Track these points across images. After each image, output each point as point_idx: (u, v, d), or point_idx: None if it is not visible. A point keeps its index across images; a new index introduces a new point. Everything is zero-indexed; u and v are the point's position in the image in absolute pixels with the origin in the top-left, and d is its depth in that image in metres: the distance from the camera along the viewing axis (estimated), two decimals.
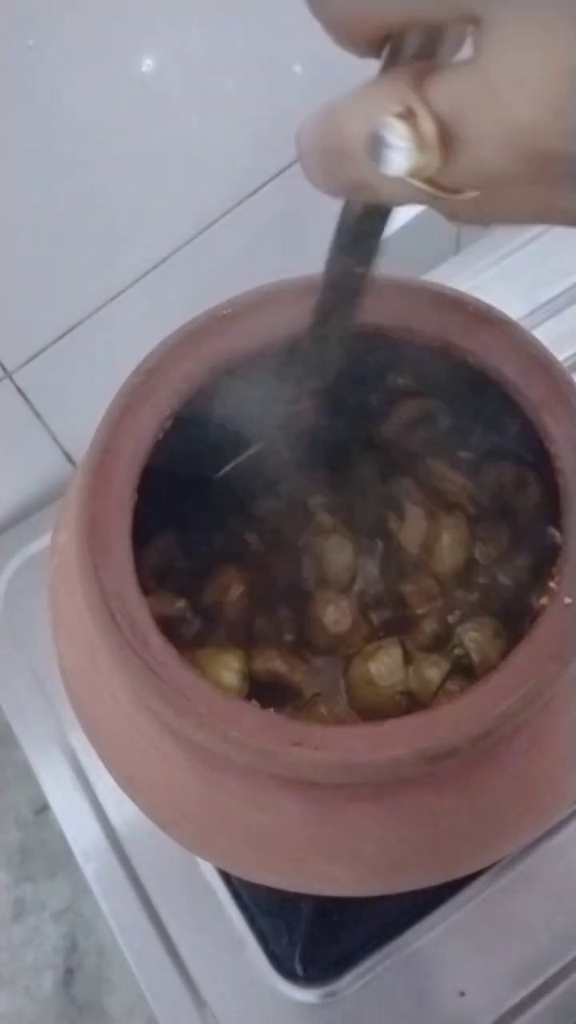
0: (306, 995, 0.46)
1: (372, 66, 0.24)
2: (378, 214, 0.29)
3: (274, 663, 0.37)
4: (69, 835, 0.51)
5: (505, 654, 0.30)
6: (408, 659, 0.37)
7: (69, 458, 0.61)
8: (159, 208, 0.51)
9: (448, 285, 0.37)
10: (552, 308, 0.62)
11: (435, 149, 0.20)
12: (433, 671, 0.36)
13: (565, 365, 0.35)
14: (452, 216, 0.24)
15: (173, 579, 0.39)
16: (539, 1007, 0.45)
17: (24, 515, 0.61)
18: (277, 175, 0.55)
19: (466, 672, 0.36)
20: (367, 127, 0.22)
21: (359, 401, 0.41)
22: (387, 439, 0.42)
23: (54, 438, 0.58)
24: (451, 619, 0.39)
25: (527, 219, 0.22)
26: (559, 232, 0.67)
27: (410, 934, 0.47)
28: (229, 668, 0.36)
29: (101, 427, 0.34)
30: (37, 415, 0.56)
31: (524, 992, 0.46)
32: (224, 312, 0.36)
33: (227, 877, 0.49)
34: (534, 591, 0.35)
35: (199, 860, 0.48)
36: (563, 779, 0.33)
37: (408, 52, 0.23)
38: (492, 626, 0.37)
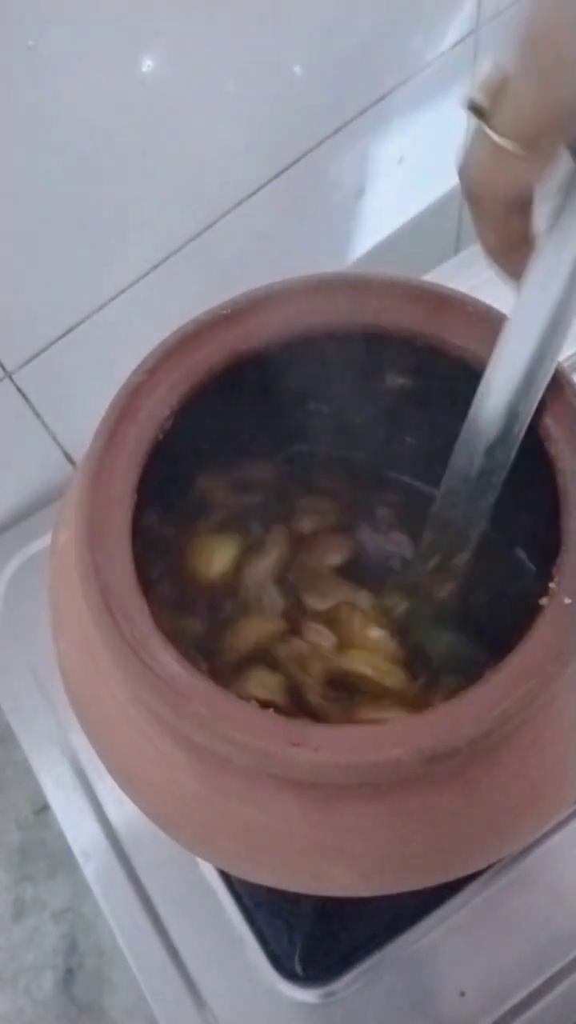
0: (306, 995, 0.46)
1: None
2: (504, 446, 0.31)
3: None
4: (69, 835, 0.51)
5: (505, 654, 0.30)
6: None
7: (69, 458, 0.61)
8: (159, 208, 0.51)
9: (448, 285, 0.37)
10: None
11: None
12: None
13: (565, 365, 0.35)
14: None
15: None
16: (539, 1007, 0.45)
17: (24, 515, 0.61)
18: (277, 175, 0.55)
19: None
20: None
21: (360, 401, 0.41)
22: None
23: (54, 438, 0.59)
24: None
25: None
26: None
27: (410, 934, 0.47)
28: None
29: (101, 427, 0.34)
30: (37, 415, 0.56)
31: (524, 992, 0.46)
32: (224, 312, 0.36)
33: (227, 877, 0.49)
34: (534, 591, 0.35)
35: (199, 860, 0.48)
36: (563, 779, 0.33)
37: None
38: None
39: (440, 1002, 0.46)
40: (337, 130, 0.57)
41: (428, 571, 0.37)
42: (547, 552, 0.32)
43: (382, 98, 0.57)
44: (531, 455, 0.34)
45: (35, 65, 0.41)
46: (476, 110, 0.26)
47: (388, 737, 0.29)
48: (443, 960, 0.47)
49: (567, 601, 0.30)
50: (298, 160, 0.56)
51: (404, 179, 0.65)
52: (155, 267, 0.53)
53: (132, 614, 0.31)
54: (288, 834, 0.31)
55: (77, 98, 0.44)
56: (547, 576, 0.31)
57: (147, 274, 0.53)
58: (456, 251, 0.75)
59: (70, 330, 0.53)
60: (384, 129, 0.60)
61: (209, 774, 0.31)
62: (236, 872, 0.35)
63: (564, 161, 0.26)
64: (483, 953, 0.47)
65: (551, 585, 0.31)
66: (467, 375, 0.36)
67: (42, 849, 0.69)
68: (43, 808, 0.68)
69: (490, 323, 0.36)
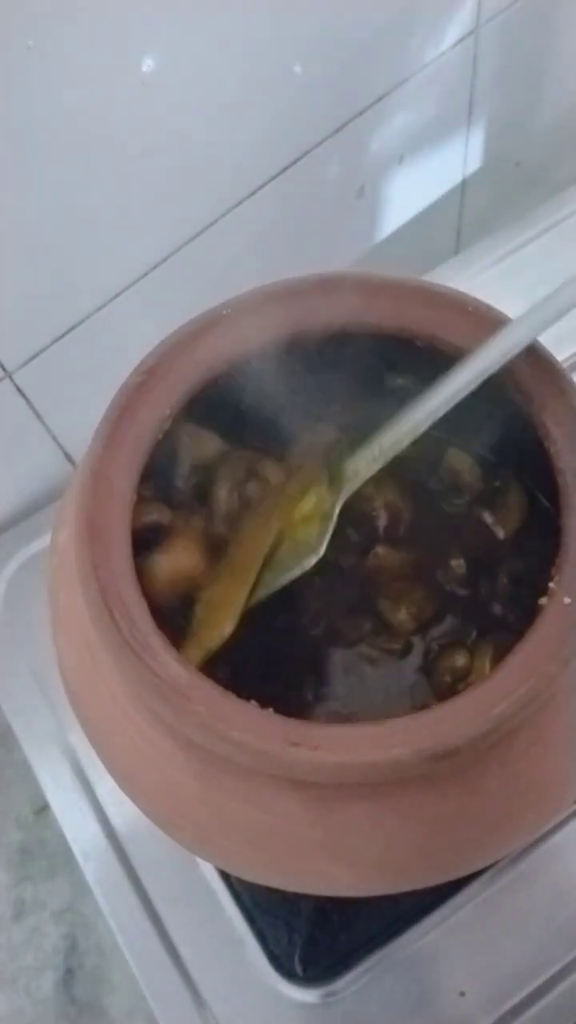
0: (306, 995, 0.46)
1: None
2: None
3: None
4: (69, 835, 0.51)
5: (505, 654, 0.30)
6: None
7: (69, 458, 0.61)
8: (159, 208, 0.51)
9: (448, 285, 0.37)
10: None
11: None
12: None
13: (565, 365, 0.35)
14: None
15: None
16: (539, 1007, 0.45)
17: (24, 515, 0.61)
18: (277, 175, 0.55)
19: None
20: None
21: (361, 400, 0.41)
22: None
23: (54, 438, 0.58)
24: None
25: None
26: (559, 232, 0.67)
27: (410, 934, 0.47)
28: None
29: (101, 427, 0.34)
30: (37, 415, 0.56)
31: (524, 992, 0.46)
32: (224, 312, 0.36)
33: (227, 877, 0.49)
34: (534, 591, 0.35)
35: (199, 860, 0.48)
36: (563, 779, 0.33)
37: None
38: None
39: (440, 1002, 0.46)
40: (337, 130, 0.57)
41: None
42: (547, 552, 0.32)
43: (382, 98, 0.57)
44: (531, 455, 0.34)
45: (35, 65, 0.41)
46: None
47: (388, 737, 0.29)
48: (443, 960, 0.47)
49: (567, 601, 0.30)
50: (298, 160, 0.56)
51: (404, 179, 0.65)
52: (155, 267, 0.53)
53: (132, 614, 0.31)
54: (288, 834, 0.31)
55: (77, 98, 0.44)
56: (547, 576, 0.31)
57: (147, 274, 0.53)
58: (456, 251, 0.75)
59: (70, 330, 0.53)
60: (384, 129, 0.60)
61: (209, 774, 0.31)
62: (236, 872, 0.35)
63: None
64: (483, 953, 0.47)
65: (551, 585, 0.31)
66: None
67: (42, 849, 0.69)
68: (43, 808, 0.68)
69: (490, 323, 0.36)
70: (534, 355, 0.35)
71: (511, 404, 0.35)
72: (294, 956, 0.47)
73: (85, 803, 0.52)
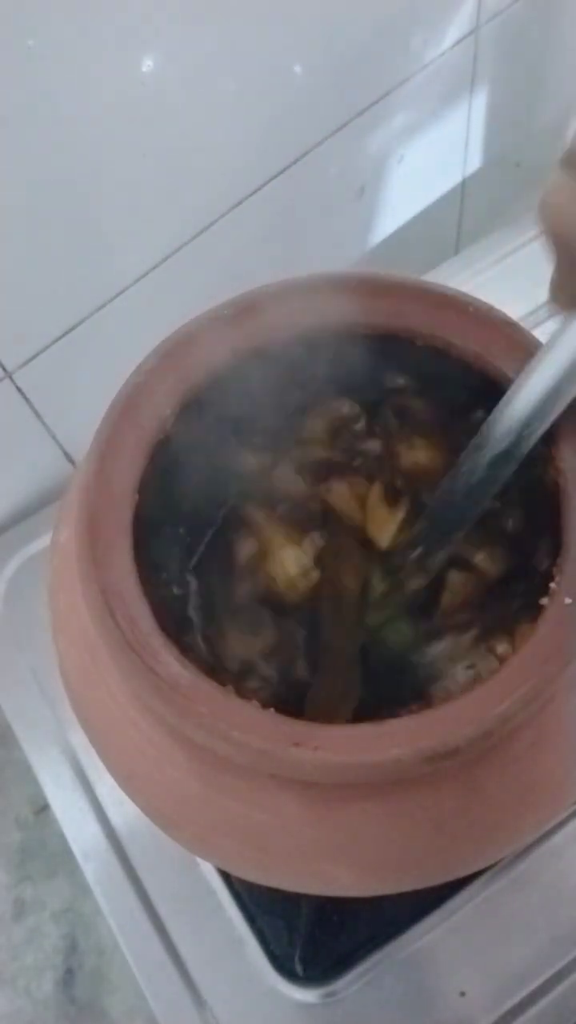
0: (306, 995, 0.46)
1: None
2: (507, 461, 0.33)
3: None
4: (69, 835, 0.51)
5: (506, 654, 0.30)
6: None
7: (69, 458, 0.61)
8: (159, 208, 0.51)
9: (448, 285, 0.37)
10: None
11: None
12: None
13: None
14: None
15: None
16: (539, 1007, 0.45)
17: (24, 515, 0.61)
18: (277, 175, 0.55)
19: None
20: None
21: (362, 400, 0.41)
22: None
23: (54, 438, 0.59)
24: None
25: None
26: None
27: (410, 934, 0.47)
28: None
29: (101, 427, 0.34)
30: (37, 415, 0.56)
31: (524, 992, 0.46)
32: (224, 312, 0.36)
33: (227, 877, 0.49)
34: (534, 591, 0.35)
35: (199, 860, 0.48)
36: (563, 779, 0.33)
37: None
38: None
39: (440, 1002, 0.46)
40: (337, 130, 0.57)
41: (409, 560, 0.37)
42: (547, 552, 0.32)
43: (382, 98, 0.57)
44: (531, 455, 0.34)
45: (35, 65, 0.41)
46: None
47: (388, 737, 0.29)
48: (443, 960, 0.47)
49: (567, 601, 0.30)
50: (298, 160, 0.56)
51: (404, 179, 0.65)
52: (155, 267, 0.53)
53: (132, 614, 0.31)
54: (288, 834, 0.31)
55: (77, 98, 0.44)
56: (547, 576, 0.31)
57: (147, 274, 0.53)
58: (456, 251, 0.75)
59: (70, 330, 0.53)
60: (384, 129, 0.60)
61: (209, 774, 0.31)
62: (236, 872, 0.35)
63: None
64: (483, 953, 0.47)
65: (551, 585, 0.31)
66: (468, 375, 0.36)
67: (42, 849, 0.69)
68: (43, 808, 0.68)
69: (490, 323, 0.36)
70: (533, 354, 0.35)
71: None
72: (294, 956, 0.47)
73: (85, 803, 0.52)
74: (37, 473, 0.61)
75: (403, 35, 0.56)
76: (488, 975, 0.46)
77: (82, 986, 0.65)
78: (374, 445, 0.42)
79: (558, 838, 0.48)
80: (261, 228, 0.57)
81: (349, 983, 0.46)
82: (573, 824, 0.49)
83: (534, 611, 0.31)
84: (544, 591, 0.31)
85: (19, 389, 0.54)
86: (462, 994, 0.46)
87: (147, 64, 0.45)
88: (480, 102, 0.65)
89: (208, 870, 0.49)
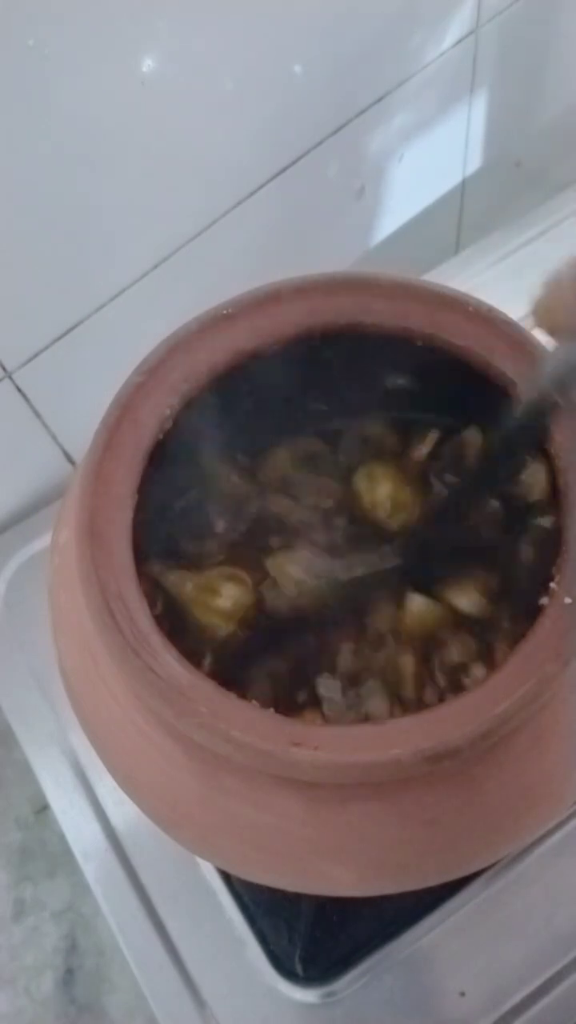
0: (306, 995, 0.46)
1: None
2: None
3: None
4: (69, 835, 0.51)
5: (506, 654, 0.30)
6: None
7: (69, 458, 0.61)
8: (159, 208, 0.51)
9: (448, 285, 0.37)
10: None
11: None
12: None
13: None
14: None
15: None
16: (539, 1007, 0.45)
17: (24, 515, 0.61)
18: (277, 175, 0.55)
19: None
20: None
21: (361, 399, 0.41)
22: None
23: (54, 438, 0.58)
24: None
25: None
26: (559, 232, 0.67)
27: (410, 934, 0.47)
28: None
29: (101, 427, 0.34)
30: (37, 415, 0.56)
31: (524, 992, 0.46)
32: (224, 312, 0.36)
33: (227, 877, 0.49)
34: (534, 591, 0.35)
35: (199, 860, 0.48)
36: (563, 779, 0.33)
37: None
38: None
39: (440, 1002, 0.46)
40: (337, 130, 0.57)
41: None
42: (547, 552, 0.32)
43: (382, 98, 0.57)
44: (531, 455, 0.34)
45: (35, 65, 0.41)
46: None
47: (388, 737, 0.29)
48: (443, 960, 0.47)
49: (567, 601, 0.30)
50: (298, 160, 0.56)
51: (404, 179, 0.65)
52: (155, 267, 0.53)
53: (132, 614, 0.31)
54: (288, 834, 0.31)
55: (77, 98, 0.44)
56: (547, 576, 0.31)
57: (147, 274, 0.53)
58: (456, 251, 0.75)
59: (70, 330, 0.53)
60: (384, 129, 0.60)
61: (209, 774, 0.31)
62: (236, 872, 0.35)
63: None
64: (483, 953, 0.47)
65: (551, 585, 0.31)
66: (467, 375, 0.36)
67: (42, 849, 0.69)
68: (43, 808, 0.68)
69: (490, 323, 0.36)
70: (534, 355, 0.35)
71: (511, 404, 0.35)
72: (294, 956, 0.47)
73: (85, 803, 0.52)
74: (37, 473, 0.61)
75: (403, 35, 0.56)
76: (488, 975, 0.46)
77: (82, 986, 0.65)
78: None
79: (558, 838, 0.48)
80: (261, 228, 0.57)
81: (349, 983, 0.46)
82: (573, 824, 0.49)
83: (534, 611, 0.31)
84: (544, 591, 0.31)
85: (19, 389, 0.54)
86: (462, 994, 0.46)
87: (147, 64, 0.45)
88: (480, 102, 0.65)
89: (208, 870, 0.49)
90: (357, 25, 0.53)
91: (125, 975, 0.64)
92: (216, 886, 0.49)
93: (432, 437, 0.41)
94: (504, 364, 0.35)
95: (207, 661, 0.36)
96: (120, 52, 0.44)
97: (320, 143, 0.56)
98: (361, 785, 0.30)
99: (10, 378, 0.53)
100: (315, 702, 0.36)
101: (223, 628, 0.37)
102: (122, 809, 0.51)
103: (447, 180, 0.70)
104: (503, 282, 0.65)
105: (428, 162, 0.66)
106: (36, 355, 0.53)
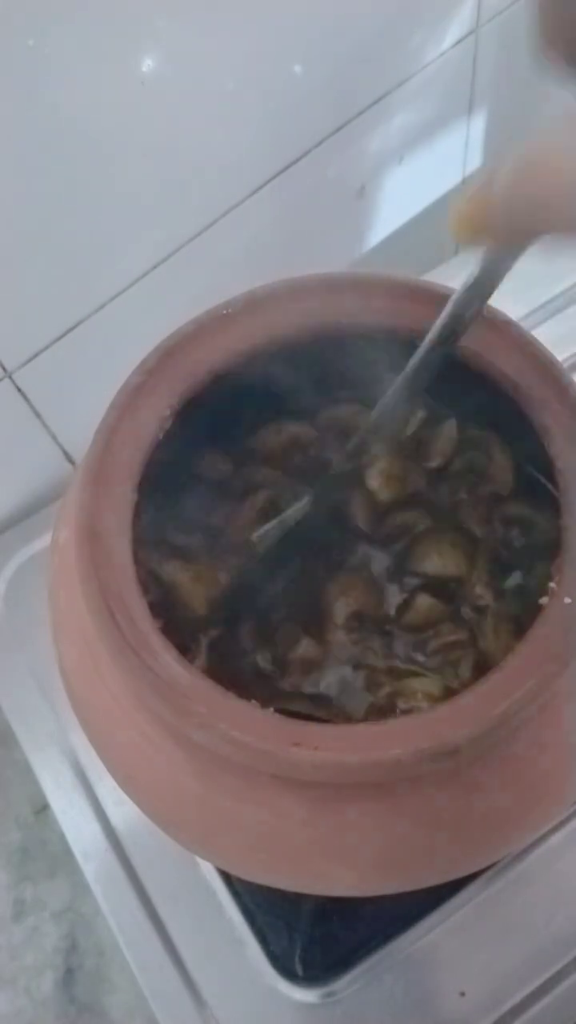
0: (306, 995, 0.46)
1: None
2: (512, 254, 0.31)
3: None
4: (69, 835, 0.51)
5: (506, 653, 0.30)
6: None
7: (69, 458, 0.61)
8: (159, 208, 0.51)
9: (448, 285, 0.37)
10: (552, 308, 0.62)
11: None
12: None
13: (565, 365, 0.35)
14: None
15: None
16: (539, 1007, 0.45)
17: (24, 515, 0.61)
18: (277, 175, 0.55)
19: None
20: None
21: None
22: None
23: (54, 438, 0.59)
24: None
25: None
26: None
27: (410, 934, 0.47)
28: None
29: (101, 427, 0.34)
30: (37, 415, 0.56)
31: (524, 992, 0.46)
32: (224, 312, 0.36)
33: (227, 877, 0.49)
34: (534, 591, 0.35)
35: (199, 860, 0.48)
36: (563, 779, 0.33)
37: None
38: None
39: (440, 1002, 0.46)
40: (337, 130, 0.57)
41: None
42: (547, 552, 0.32)
43: (382, 98, 0.57)
44: (531, 455, 0.34)
45: (35, 65, 0.41)
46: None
47: (388, 736, 0.29)
48: (443, 960, 0.47)
49: (567, 601, 0.30)
50: (298, 159, 0.56)
51: (404, 179, 0.65)
52: (155, 267, 0.53)
53: (132, 614, 0.31)
54: (288, 834, 0.31)
55: (77, 98, 0.44)
56: (547, 576, 0.31)
57: (147, 274, 0.53)
58: (456, 251, 0.75)
59: (70, 330, 0.53)
60: (384, 129, 0.60)
61: (209, 774, 0.31)
62: (236, 872, 0.35)
63: None
64: (483, 953, 0.47)
65: (551, 585, 0.31)
66: (467, 374, 0.36)
67: (42, 849, 0.69)
68: (43, 808, 0.68)
69: (490, 322, 0.36)
70: (534, 355, 0.35)
71: (511, 404, 0.35)
72: (294, 956, 0.47)
73: (85, 803, 0.52)
74: (37, 473, 0.61)
75: (403, 35, 0.56)
76: (488, 975, 0.46)
77: (82, 986, 0.65)
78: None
79: (558, 838, 0.48)
80: (261, 228, 0.57)
81: (349, 983, 0.46)
82: (573, 824, 0.49)
83: (534, 611, 0.31)
84: (544, 591, 0.31)
85: (19, 389, 0.54)
86: (462, 994, 0.46)
87: (147, 64, 0.45)
88: (480, 102, 0.65)
89: (208, 870, 0.49)
90: (357, 25, 0.53)
91: (125, 975, 0.64)
92: (216, 886, 0.49)
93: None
94: (503, 364, 0.35)
95: (202, 647, 0.36)
96: (120, 52, 0.44)
97: (320, 143, 0.56)
98: (361, 785, 0.30)
99: (10, 378, 0.53)
100: (306, 696, 0.37)
101: (215, 618, 0.37)
102: (122, 809, 0.51)
103: (447, 180, 0.70)
104: (503, 282, 0.65)
105: (428, 162, 0.66)
106: (36, 355, 0.53)
